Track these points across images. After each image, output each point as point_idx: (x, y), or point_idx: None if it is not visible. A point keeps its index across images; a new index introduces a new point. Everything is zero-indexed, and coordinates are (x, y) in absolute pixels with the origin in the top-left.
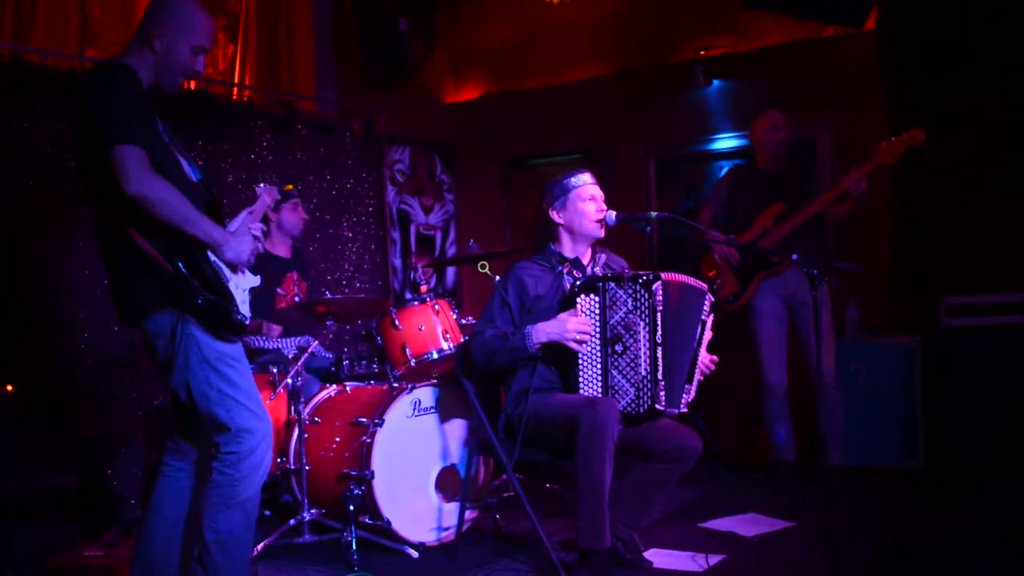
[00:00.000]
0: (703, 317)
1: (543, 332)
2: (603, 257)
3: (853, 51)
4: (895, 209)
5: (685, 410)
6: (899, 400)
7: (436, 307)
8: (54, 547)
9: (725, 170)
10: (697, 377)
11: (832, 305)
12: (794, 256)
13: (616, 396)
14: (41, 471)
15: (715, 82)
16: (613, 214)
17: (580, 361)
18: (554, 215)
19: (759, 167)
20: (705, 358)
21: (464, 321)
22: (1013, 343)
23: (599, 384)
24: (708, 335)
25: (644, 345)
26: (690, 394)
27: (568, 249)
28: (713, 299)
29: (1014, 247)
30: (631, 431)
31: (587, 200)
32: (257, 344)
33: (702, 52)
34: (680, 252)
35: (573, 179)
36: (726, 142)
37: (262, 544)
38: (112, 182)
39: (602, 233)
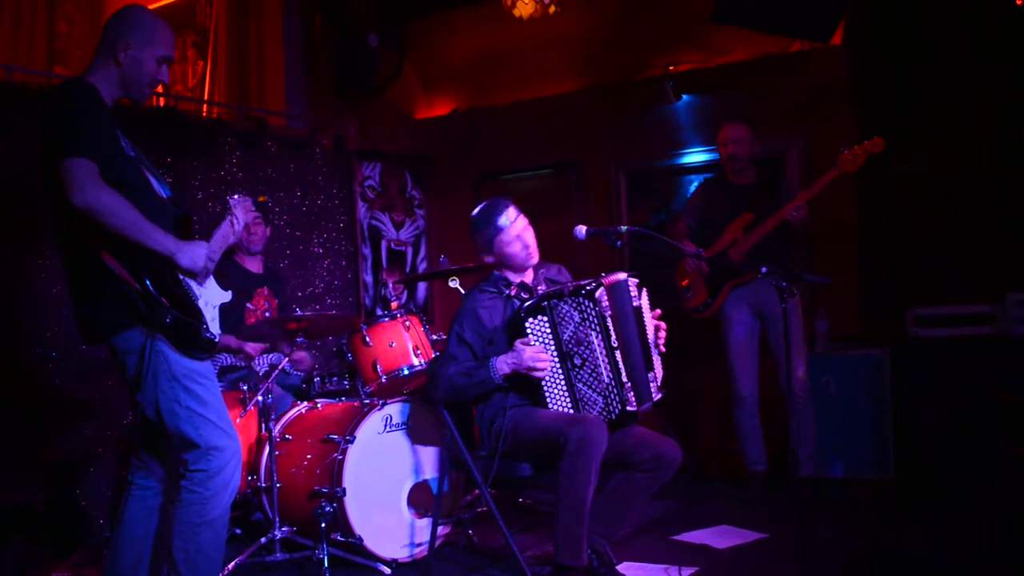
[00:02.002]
0: (636, 302)
1: (504, 364)
2: (543, 272)
3: (821, 65)
4: (863, 221)
5: (659, 396)
6: (869, 411)
7: (407, 323)
8: (21, 568)
9: (697, 183)
10: (655, 358)
11: (803, 317)
12: (763, 269)
13: (586, 408)
14: (8, 489)
15: (684, 97)
16: (584, 229)
17: (544, 384)
18: (486, 258)
19: (729, 180)
20: (654, 334)
21: (435, 337)
22: (980, 353)
23: (567, 399)
24: (648, 315)
25: (600, 353)
26: (657, 380)
27: (512, 275)
28: (638, 280)
29: (980, 259)
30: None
31: (512, 242)
32: (229, 361)
33: (671, 67)
34: (651, 264)
35: (495, 224)
36: (696, 156)
37: (233, 563)
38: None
39: (535, 260)
